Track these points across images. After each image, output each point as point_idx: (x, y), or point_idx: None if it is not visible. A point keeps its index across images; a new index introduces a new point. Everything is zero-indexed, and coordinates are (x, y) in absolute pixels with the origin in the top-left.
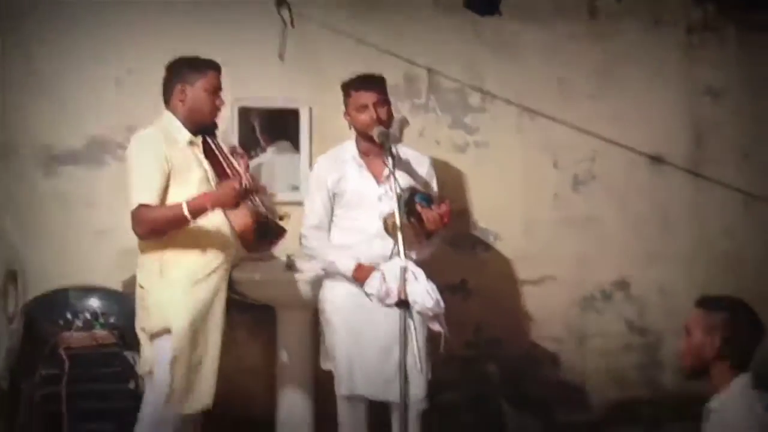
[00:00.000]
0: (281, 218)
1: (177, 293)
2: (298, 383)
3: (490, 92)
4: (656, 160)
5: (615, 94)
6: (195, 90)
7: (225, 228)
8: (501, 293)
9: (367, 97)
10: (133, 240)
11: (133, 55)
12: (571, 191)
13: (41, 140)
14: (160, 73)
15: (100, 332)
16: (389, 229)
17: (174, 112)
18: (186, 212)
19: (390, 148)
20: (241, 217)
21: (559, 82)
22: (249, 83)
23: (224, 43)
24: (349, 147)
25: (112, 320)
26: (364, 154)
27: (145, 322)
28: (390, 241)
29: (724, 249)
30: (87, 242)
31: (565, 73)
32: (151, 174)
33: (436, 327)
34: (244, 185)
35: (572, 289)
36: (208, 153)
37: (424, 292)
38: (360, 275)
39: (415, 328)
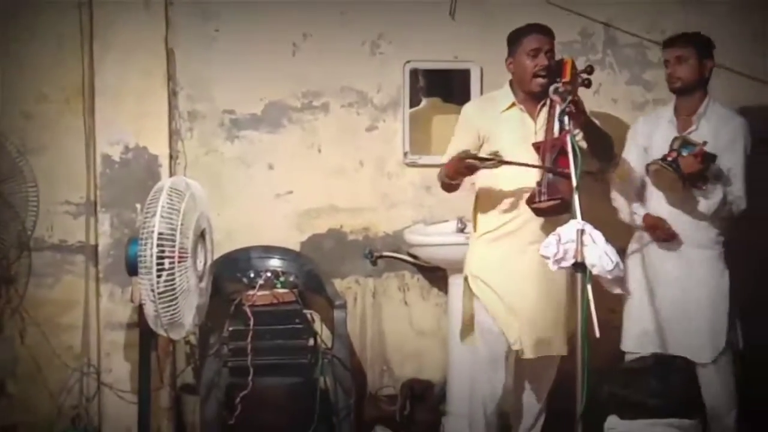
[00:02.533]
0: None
1: (480, 244)
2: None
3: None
4: None
5: None
6: (517, 57)
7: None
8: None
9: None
10: (310, 203)
11: (307, 19)
12: (756, 150)
13: (223, 105)
14: (333, 37)
15: (280, 290)
16: (651, 178)
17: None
18: (442, 176)
19: (568, 103)
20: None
21: (753, 32)
22: (420, 44)
23: (395, 4)
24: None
25: (291, 279)
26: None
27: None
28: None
29: None
30: (268, 204)
31: (758, 22)
32: (457, 138)
33: (617, 290)
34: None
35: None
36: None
37: (602, 255)
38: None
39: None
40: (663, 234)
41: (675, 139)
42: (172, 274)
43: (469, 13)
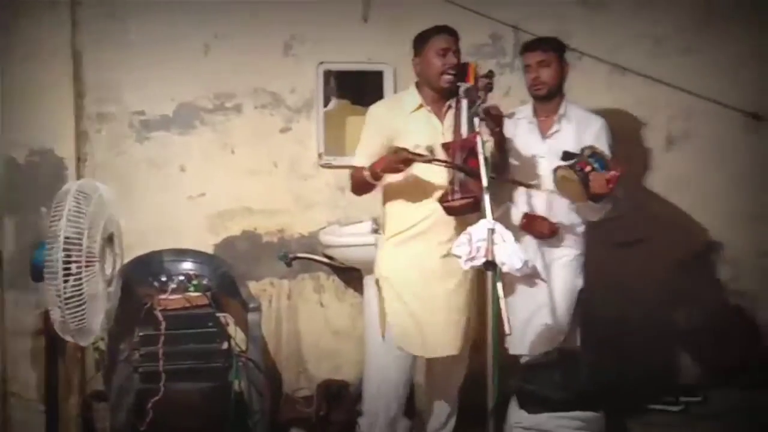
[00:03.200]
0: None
1: (391, 246)
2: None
3: (578, 50)
4: (754, 117)
5: (710, 48)
6: (425, 55)
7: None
8: (593, 256)
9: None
10: (223, 204)
11: (220, 19)
12: (664, 150)
13: (133, 107)
14: (246, 38)
15: (193, 294)
16: (555, 182)
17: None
18: (366, 176)
19: (478, 105)
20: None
21: (652, 37)
22: (333, 45)
23: (308, 6)
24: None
25: (204, 282)
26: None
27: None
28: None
29: None
30: (180, 206)
31: (658, 28)
32: (367, 140)
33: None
34: (398, 153)
35: (665, 250)
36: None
37: (512, 253)
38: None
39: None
40: (546, 230)
41: (585, 147)
42: (80, 279)
43: (381, 15)
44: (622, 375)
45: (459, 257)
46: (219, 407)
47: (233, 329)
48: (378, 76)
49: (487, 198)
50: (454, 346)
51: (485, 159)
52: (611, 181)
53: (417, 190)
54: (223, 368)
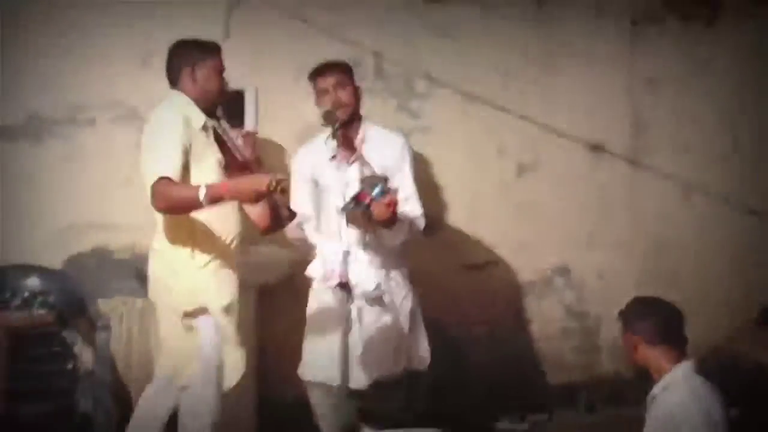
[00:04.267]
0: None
1: (209, 273)
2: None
3: (434, 78)
4: (597, 148)
5: (558, 82)
6: (205, 70)
7: (236, 209)
8: (442, 277)
9: (325, 82)
10: (70, 218)
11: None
12: (516, 177)
13: None
14: (105, 50)
15: (38, 312)
16: (347, 218)
17: (183, 93)
18: (202, 197)
19: (336, 130)
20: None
21: (504, 68)
22: None
23: (167, 26)
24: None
25: (51, 299)
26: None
27: (172, 300)
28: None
29: (662, 236)
30: (26, 220)
31: (509, 60)
32: (172, 149)
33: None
34: (271, 187)
35: (514, 273)
36: (217, 137)
37: (366, 275)
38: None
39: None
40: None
41: (362, 180)
42: None
43: (242, 36)
44: (469, 394)
45: (313, 278)
46: (63, 429)
47: (81, 348)
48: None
49: (343, 220)
50: None
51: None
52: (390, 205)
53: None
54: (68, 389)
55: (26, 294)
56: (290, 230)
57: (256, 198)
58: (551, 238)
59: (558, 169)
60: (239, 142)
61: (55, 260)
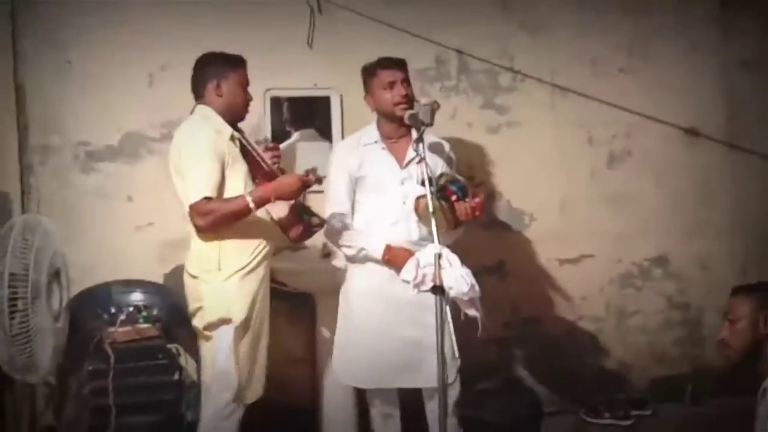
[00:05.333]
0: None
1: (234, 284)
2: None
3: (520, 71)
4: (692, 133)
5: (648, 68)
6: (230, 85)
7: (267, 218)
8: (538, 273)
9: (394, 75)
10: (172, 233)
11: (165, 50)
12: (607, 168)
13: (78, 138)
14: (191, 66)
15: (143, 325)
16: (420, 212)
17: (209, 106)
18: (251, 204)
19: (421, 132)
20: (284, 209)
21: (591, 57)
22: (279, 72)
23: (253, 33)
24: (371, 131)
25: (154, 313)
26: (386, 137)
27: (200, 312)
28: (413, 226)
29: (765, 221)
30: (127, 237)
31: (597, 49)
32: (210, 166)
33: (472, 312)
34: (309, 178)
35: (611, 266)
36: (243, 148)
37: (459, 278)
38: (391, 257)
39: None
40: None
41: (442, 175)
42: (26, 315)
43: (326, 42)
44: (569, 390)
45: (407, 282)
46: None
47: (185, 359)
48: (326, 101)
49: (434, 222)
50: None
51: (431, 184)
52: (477, 208)
53: (255, 226)
54: (175, 400)
55: (130, 308)
56: (331, 235)
57: (299, 189)
58: (648, 227)
59: (652, 156)
60: (264, 153)
61: (156, 274)
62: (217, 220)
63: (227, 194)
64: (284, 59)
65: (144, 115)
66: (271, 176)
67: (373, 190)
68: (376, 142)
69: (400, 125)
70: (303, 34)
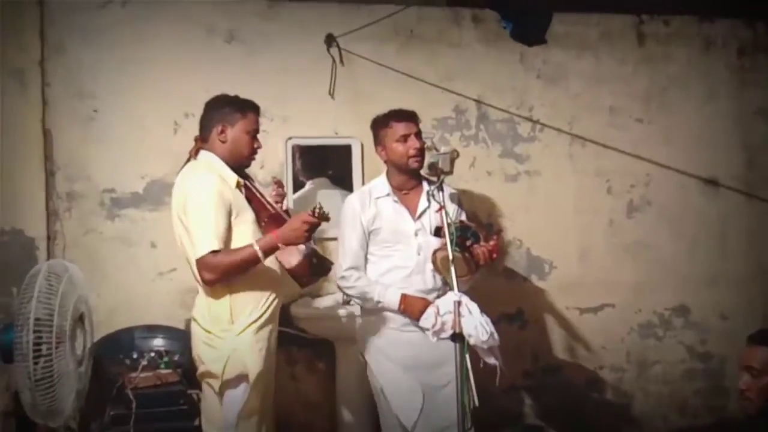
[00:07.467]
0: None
1: (248, 338)
2: (357, 416)
3: (539, 121)
4: (710, 183)
5: (666, 118)
6: (236, 131)
7: (275, 266)
8: (558, 322)
9: (408, 128)
10: (193, 280)
11: (189, 98)
12: (626, 217)
13: (103, 185)
14: None
15: (164, 371)
16: (437, 263)
17: (213, 152)
18: (260, 253)
19: (440, 181)
20: (293, 254)
21: (609, 108)
22: (301, 121)
23: (276, 82)
24: (381, 183)
25: (176, 358)
26: (397, 189)
27: (216, 368)
28: (428, 276)
29: None
30: (150, 283)
31: (615, 99)
32: (216, 218)
33: (492, 360)
34: (314, 218)
35: (631, 316)
36: (248, 194)
37: (478, 326)
38: (407, 307)
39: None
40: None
41: (449, 224)
42: (50, 360)
43: (347, 91)
44: None
45: (427, 330)
46: None
47: None
48: (341, 150)
49: (453, 270)
50: None
51: (450, 230)
52: (494, 251)
53: (263, 276)
54: None
55: (152, 354)
56: (347, 288)
57: (306, 231)
58: (667, 277)
59: (670, 205)
60: (269, 197)
61: (178, 320)
62: (226, 273)
63: (235, 243)
64: (306, 108)
65: (168, 162)
66: (276, 218)
67: (388, 242)
68: (388, 194)
69: (411, 177)
70: (325, 84)
